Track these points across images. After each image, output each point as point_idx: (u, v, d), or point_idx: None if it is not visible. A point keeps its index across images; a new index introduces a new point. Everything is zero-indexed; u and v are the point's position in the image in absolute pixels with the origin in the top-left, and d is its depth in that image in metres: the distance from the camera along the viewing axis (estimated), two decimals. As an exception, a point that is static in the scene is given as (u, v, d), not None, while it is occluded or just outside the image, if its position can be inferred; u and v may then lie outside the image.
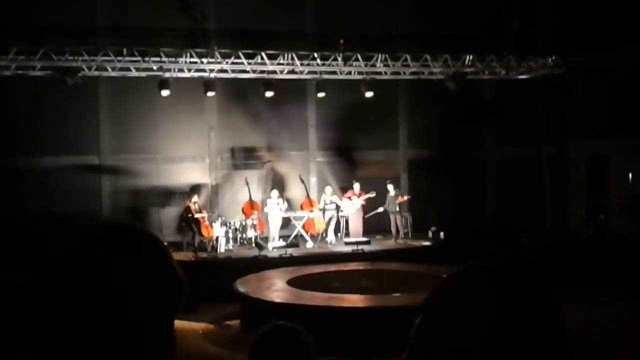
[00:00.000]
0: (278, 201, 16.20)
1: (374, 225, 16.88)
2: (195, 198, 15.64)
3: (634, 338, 10.05)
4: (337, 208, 16.64)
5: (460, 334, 1.04)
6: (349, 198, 16.72)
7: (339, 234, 16.81)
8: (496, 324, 1.03)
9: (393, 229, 16.85)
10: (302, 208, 16.69)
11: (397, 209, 16.80)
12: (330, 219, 16.55)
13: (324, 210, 16.50)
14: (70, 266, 1.16)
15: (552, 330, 1.06)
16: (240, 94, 17.11)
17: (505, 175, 18.77)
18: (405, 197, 17.02)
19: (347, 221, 16.83)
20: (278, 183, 17.84)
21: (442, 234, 16.79)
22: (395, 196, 16.88)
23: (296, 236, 16.21)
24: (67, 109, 16.03)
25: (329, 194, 16.68)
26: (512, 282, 1.09)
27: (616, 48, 15.60)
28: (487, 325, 1.03)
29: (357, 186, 16.86)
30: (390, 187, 17.04)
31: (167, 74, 15.50)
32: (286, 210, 16.23)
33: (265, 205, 16.29)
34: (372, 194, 16.63)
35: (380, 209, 16.76)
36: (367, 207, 16.71)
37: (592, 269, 13.53)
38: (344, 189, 17.31)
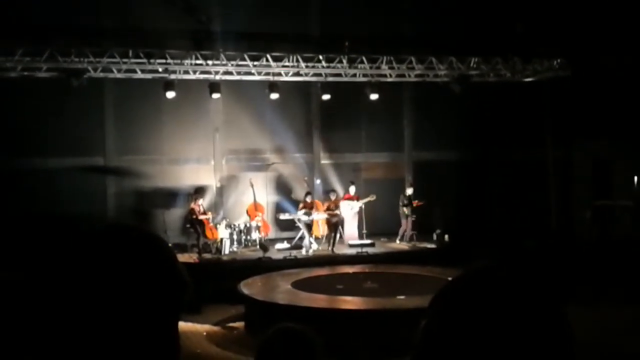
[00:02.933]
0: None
1: (378, 227, 16.84)
2: (200, 200, 15.64)
3: (640, 341, 10.01)
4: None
5: (465, 338, 1.03)
6: (349, 199, 16.66)
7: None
8: (501, 327, 1.03)
9: (401, 231, 16.79)
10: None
11: (411, 212, 16.72)
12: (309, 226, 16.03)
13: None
14: (72, 268, 1.16)
15: (557, 334, 1.05)
16: (245, 96, 17.12)
17: (511, 177, 18.72)
18: (420, 202, 16.96)
19: (343, 225, 16.71)
20: (282, 185, 17.84)
21: (446, 236, 16.76)
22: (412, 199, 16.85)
23: (300, 238, 16.19)
24: (73, 110, 16.08)
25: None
26: (517, 286, 1.09)
27: (622, 51, 15.57)
28: (493, 329, 1.03)
29: (352, 188, 16.80)
30: (409, 190, 16.98)
31: (173, 76, 15.53)
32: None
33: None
34: (372, 198, 16.56)
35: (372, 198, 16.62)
36: (366, 210, 16.65)
37: (597, 271, 13.49)
38: (347, 191, 17.28)
